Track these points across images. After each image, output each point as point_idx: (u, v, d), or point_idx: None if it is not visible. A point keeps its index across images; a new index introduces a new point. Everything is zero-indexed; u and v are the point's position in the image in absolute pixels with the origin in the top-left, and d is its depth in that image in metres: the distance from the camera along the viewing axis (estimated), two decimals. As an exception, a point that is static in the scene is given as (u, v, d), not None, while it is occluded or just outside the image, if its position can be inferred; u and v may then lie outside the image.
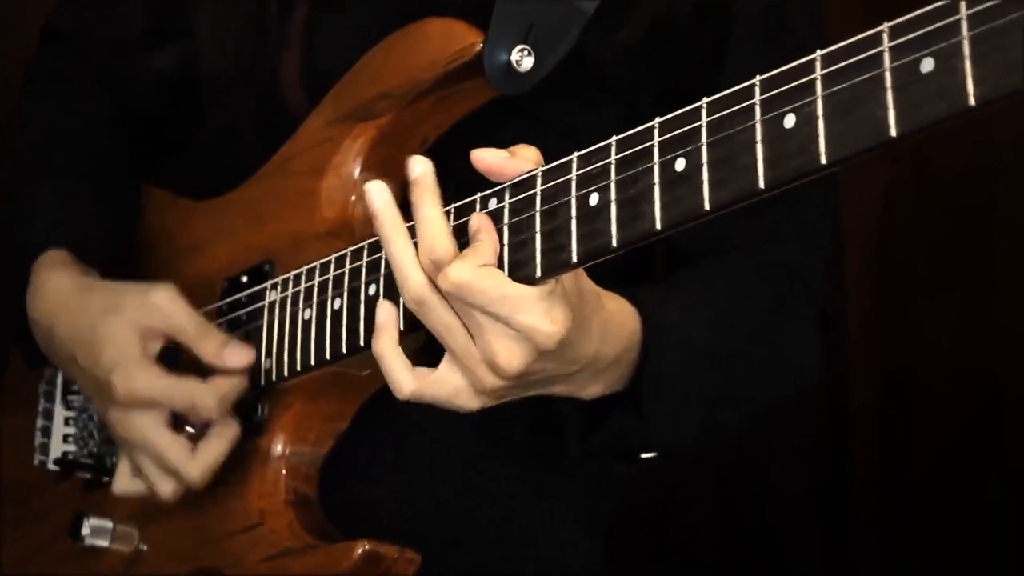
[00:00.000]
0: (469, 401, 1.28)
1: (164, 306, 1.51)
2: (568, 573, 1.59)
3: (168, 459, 1.50)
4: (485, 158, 1.26)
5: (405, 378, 1.28)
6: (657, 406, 1.38)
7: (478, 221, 1.26)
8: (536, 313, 1.21)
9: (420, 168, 1.27)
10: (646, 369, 1.36)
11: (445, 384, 1.27)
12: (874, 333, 2.84)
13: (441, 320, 1.25)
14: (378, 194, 1.29)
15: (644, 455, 1.46)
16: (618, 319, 1.33)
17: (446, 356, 1.27)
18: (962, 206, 2.81)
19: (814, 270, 1.53)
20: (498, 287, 1.21)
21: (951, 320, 2.81)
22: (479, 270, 1.21)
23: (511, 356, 1.22)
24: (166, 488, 1.52)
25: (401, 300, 1.30)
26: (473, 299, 1.21)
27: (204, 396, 1.48)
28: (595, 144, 1.22)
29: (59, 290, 1.58)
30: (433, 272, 1.24)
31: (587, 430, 1.41)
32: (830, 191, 1.53)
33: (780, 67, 1.09)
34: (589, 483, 1.61)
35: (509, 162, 1.26)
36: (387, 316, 1.30)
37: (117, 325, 1.51)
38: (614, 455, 1.46)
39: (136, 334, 1.50)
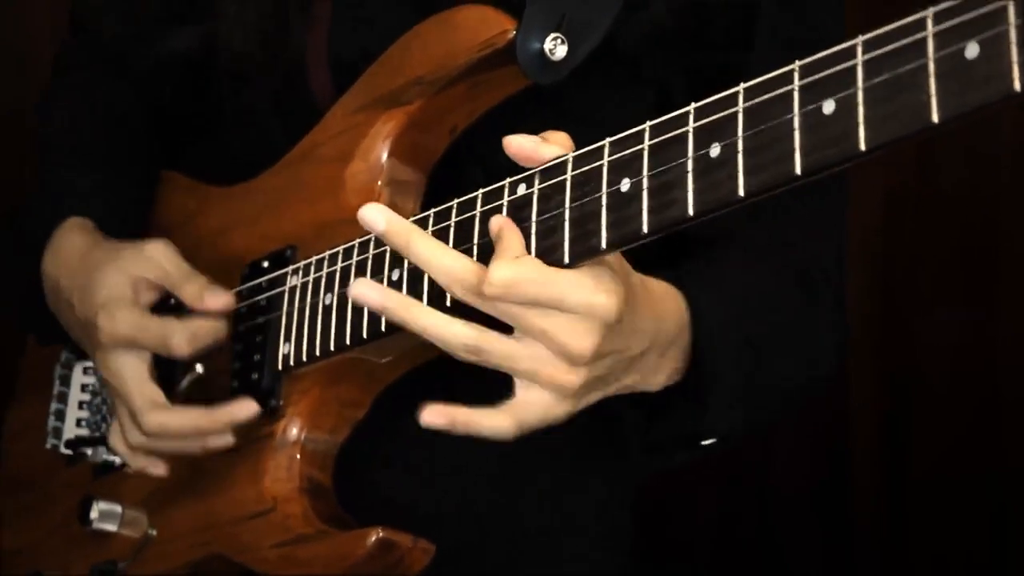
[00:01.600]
0: (558, 409, 1.25)
1: (154, 256, 1.55)
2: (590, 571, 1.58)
3: (134, 401, 1.51)
4: (518, 143, 1.25)
5: (502, 421, 1.26)
6: (717, 392, 1.36)
7: (498, 221, 1.25)
8: (587, 288, 1.20)
9: (378, 217, 1.26)
10: (702, 353, 1.34)
11: (532, 405, 1.25)
12: (874, 334, 2.83)
13: (501, 352, 1.23)
14: (369, 291, 1.28)
15: (704, 442, 1.44)
16: (663, 294, 1.31)
17: (518, 381, 1.25)
18: (963, 212, 2.81)
19: (830, 255, 1.52)
20: (544, 272, 1.20)
21: (952, 323, 2.81)
22: (518, 262, 1.20)
23: (580, 338, 1.20)
24: (132, 437, 1.53)
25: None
26: (523, 294, 1.19)
27: (176, 332, 1.51)
28: (623, 130, 1.21)
29: (73, 246, 1.61)
30: (471, 296, 1.23)
31: (648, 423, 1.39)
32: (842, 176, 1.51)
33: (809, 52, 1.09)
34: (612, 480, 1.60)
35: (541, 147, 1.25)
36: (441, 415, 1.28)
37: (113, 271, 1.55)
38: (677, 445, 1.44)
39: (129, 282, 1.54)
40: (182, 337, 1.51)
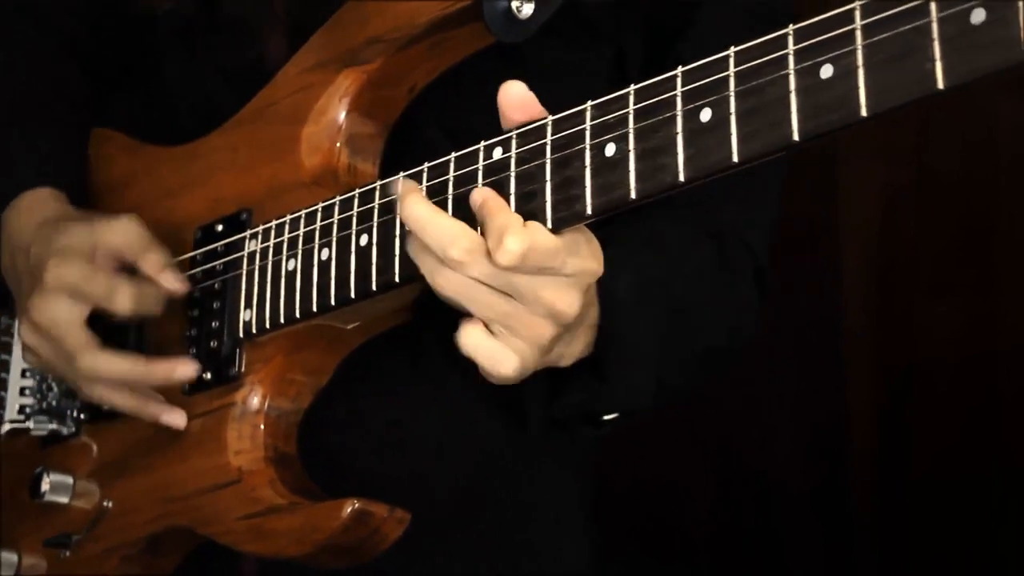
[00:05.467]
0: (531, 363, 1.24)
1: (124, 224, 1.52)
2: (558, 527, 1.57)
3: (67, 342, 1.49)
4: (516, 92, 1.22)
5: (509, 358, 1.23)
6: (617, 366, 1.36)
7: (480, 194, 1.22)
8: (583, 254, 1.20)
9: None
10: (605, 328, 1.33)
11: (511, 354, 1.23)
12: (874, 333, 2.84)
13: (484, 301, 1.21)
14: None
15: (607, 417, 1.44)
16: None
17: (498, 331, 1.23)
18: (962, 206, 2.81)
19: (755, 227, 1.51)
20: (553, 240, 1.18)
21: (951, 320, 2.82)
22: (530, 232, 1.17)
23: (570, 300, 1.21)
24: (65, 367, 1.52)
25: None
26: (532, 263, 1.18)
27: (124, 288, 1.48)
28: (581, 89, 1.20)
29: (48, 209, 1.58)
30: (468, 260, 1.20)
31: (550, 397, 1.39)
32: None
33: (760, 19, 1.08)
34: (576, 454, 1.59)
35: (533, 106, 1.22)
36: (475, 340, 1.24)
37: (80, 227, 1.53)
38: (578, 419, 1.44)
39: (91, 241, 1.51)
40: (127, 294, 1.48)
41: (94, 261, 1.50)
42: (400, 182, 1.28)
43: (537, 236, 1.17)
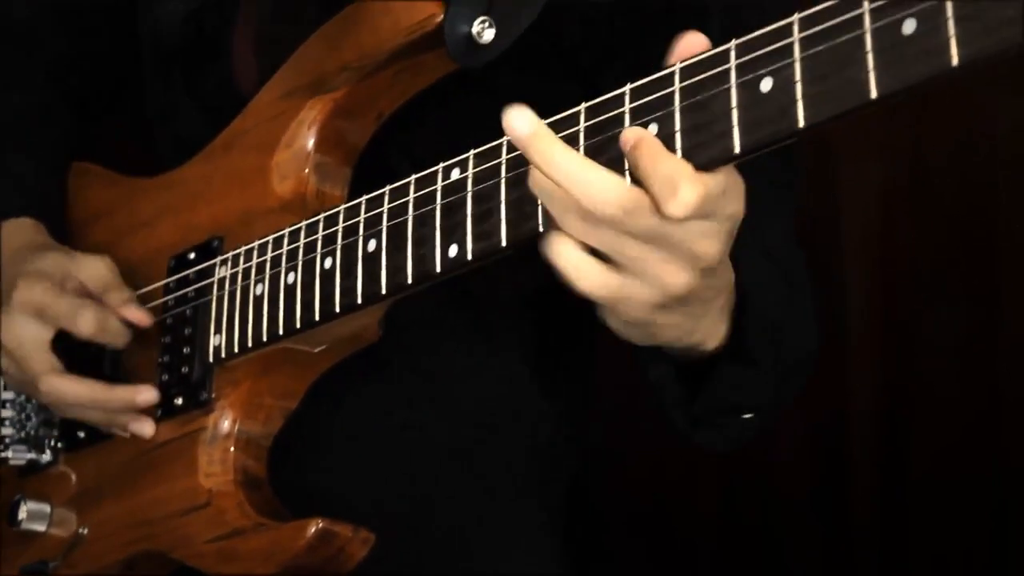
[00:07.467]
0: (640, 312, 1.16)
1: (97, 262, 1.56)
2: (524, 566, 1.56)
3: (32, 365, 1.53)
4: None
5: (592, 274, 1.13)
6: (766, 348, 1.30)
7: (632, 133, 1.11)
8: (735, 197, 1.12)
9: (523, 122, 1.14)
10: (749, 311, 1.27)
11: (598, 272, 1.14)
12: (873, 335, 2.83)
13: (622, 249, 1.12)
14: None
15: (745, 415, 1.39)
16: None
17: (622, 271, 1.13)
18: (962, 209, 2.80)
19: (789, 240, 1.46)
20: (718, 184, 1.10)
21: (952, 320, 2.81)
22: (702, 179, 1.08)
23: (713, 243, 1.12)
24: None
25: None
26: (703, 210, 1.09)
27: (89, 311, 1.52)
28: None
29: (28, 239, 1.62)
30: (624, 215, 1.10)
31: (691, 394, 1.33)
32: (790, 156, 1.44)
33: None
34: (543, 475, 1.59)
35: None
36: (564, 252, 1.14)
37: (57, 256, 1.57)
38: (722, 415, 1.38)
39: (63, 270, 1.55)
40: (91, 317, 1.52)
41: (63, 288, 1.52)
42: (546, 135, 1.14)
43: (709, 180, 1.09)
